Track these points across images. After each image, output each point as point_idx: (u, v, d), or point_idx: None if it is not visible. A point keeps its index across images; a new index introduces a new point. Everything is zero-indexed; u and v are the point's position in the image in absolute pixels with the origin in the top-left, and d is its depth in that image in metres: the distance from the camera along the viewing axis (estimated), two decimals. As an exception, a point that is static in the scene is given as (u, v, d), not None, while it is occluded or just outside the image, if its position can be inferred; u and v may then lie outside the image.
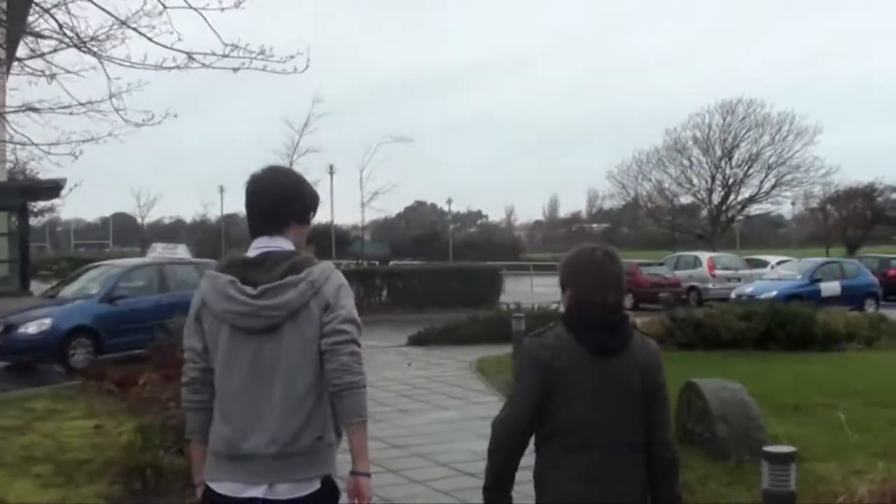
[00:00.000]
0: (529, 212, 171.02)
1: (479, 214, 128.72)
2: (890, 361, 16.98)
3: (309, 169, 44.47)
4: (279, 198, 3.78)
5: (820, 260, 35.56)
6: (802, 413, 11.80)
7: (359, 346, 3.63)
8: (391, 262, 56.52)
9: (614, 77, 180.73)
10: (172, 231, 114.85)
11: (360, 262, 47.97)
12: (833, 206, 73.14)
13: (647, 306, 34.49)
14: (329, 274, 3.66)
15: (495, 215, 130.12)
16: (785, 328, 18.73)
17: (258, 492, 3.52)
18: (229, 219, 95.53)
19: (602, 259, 3.75)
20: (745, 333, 18.70)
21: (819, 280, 30.12)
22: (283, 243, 3.74)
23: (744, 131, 63.87)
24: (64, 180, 36.18)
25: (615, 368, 3.67)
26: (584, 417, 3.63)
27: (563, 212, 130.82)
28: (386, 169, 72.24)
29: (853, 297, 28.71)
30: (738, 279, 36.75)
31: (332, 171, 46.13)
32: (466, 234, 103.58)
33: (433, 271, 33.42)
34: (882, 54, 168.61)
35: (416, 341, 20.93)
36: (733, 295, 30.77)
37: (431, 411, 12.82)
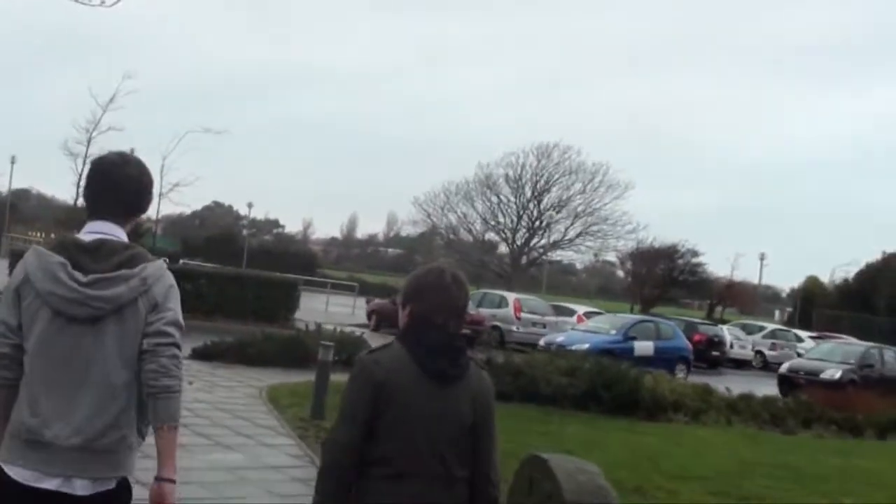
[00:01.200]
0: (326, 227, 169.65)
1: (276, 223, 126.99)
2: (725, 440, 15.75)
3: (105, 148, 41.50)
4: (131, 187, 3.70)
5: (636, 317, 34.39)
6: (646, 497, 10.41)
7: (180, 349, 3.59)
8: (181, 261, 53.50)
9: (440, 107, 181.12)
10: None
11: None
12: (633, 263, 73.84)
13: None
14: (161, 273, 3.59)
15: (292, 226, 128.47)
16: (610, 389, 17.23)
17: (52, 484, 3.40)
18: (20, 193, 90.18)
19: (450, 283, 3.69)
20: (565, 389, 17.12)
21: (633, 338, 28.85)
22: (118, 232, 3.65)
23: (556, 176, 64.55)
24: None
25: (450, 397, 3.58)
26: (409, 446, 3.52)
27: (361, 232, 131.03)
28: (190, 161, 69.21)
29: (666, 359, 27.38)
30: (544, 325, 35.50)
31: (131, 153, 43.16)
32: (262, 241, 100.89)
33: (226, 277, 30.41)
34: (703, 122, 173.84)
35: (201, 355, 18.21)
36: (542, 343, 29.28)
37: (213, 450, 10.52)
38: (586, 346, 26.84)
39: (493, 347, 33.89)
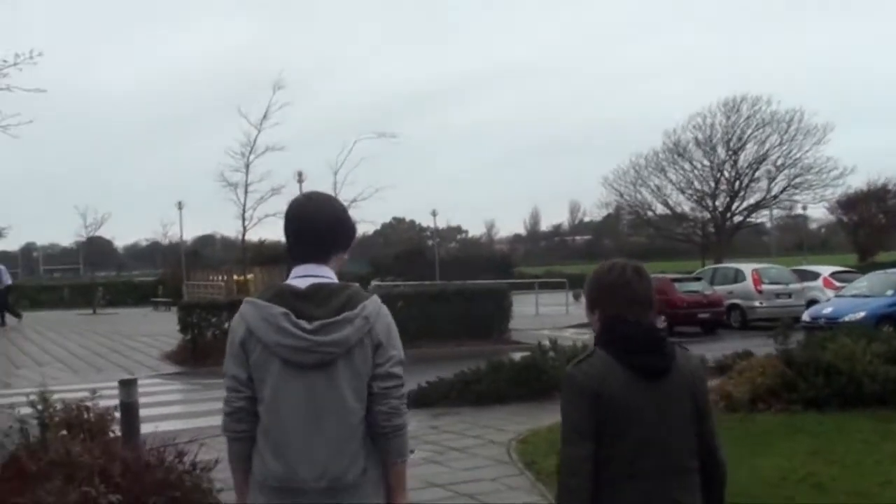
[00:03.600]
0: (508, 226, 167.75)
1: (458, 230, 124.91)
2: None
3: (270, 173, 38.02)
4: (329, 225, 3.76)
5: (902, 270, 28.78)
6: None
7: (403, 385, 3.67)
8: (373, 283, 50.32)
9: (606, 87, 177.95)
10: (147, 253, 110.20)
11: (337, 283, 41.76)
12: (844, 210, 68.12)
13: (683, 329, 28.63)
14: (380, 309, 3.66)
15: (475, 230, 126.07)
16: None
17: None
18: (205, 240, 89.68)
19: (631, 277, 3.64)
20: None
21: (913, 296, 23.82)
22: (328, 273, 3.72)
23: (749, 130, 60.16)
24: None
25: (667, 390, 3.53)
26: (636, 445, 3.48)
27: (545, 224, 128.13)
28: (365, 173, 66.05)
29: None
30: (789, 295, 30.90)
31: (300, 178, 39.49)
32: (448, 249, 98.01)
33: (427, 295, 26.49)
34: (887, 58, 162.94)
35: (418, 401, 14.27)
36: (806, 317, 24.53)
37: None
38: (861, 314, 22.48)
39: (736, 329, 29.79)
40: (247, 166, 36.07)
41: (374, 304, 3.65)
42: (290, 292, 3.62)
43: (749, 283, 31.12)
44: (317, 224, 3.74)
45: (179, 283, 54.19)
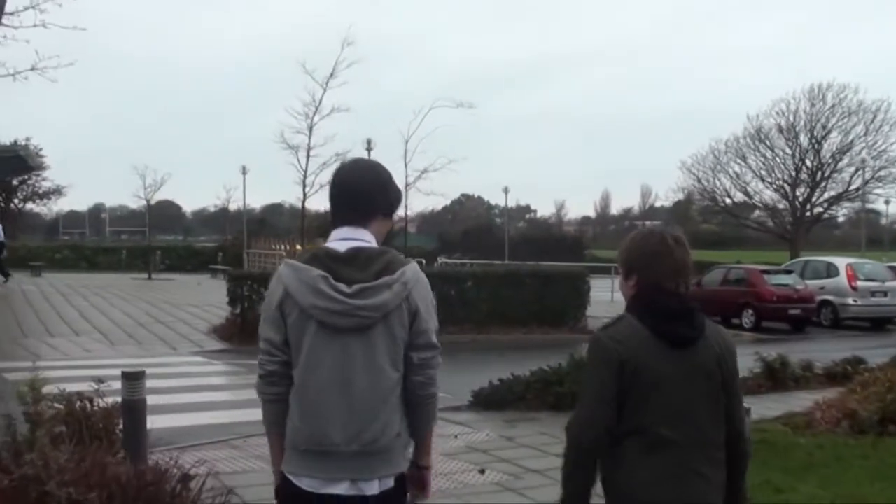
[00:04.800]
0: (578, 207, 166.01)
1: (527, 209, 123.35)
2: None
3: (335, 136, 35.83)
4: (372, 187, 3.73)
5: None
6: None
7: (440, 355, 3.67)
8: (439, 259, 48.44)
9: (687, 72, 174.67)
10: (214, 219, 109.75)
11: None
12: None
13: (771, 325, 26.35)
14: (418, 276, 3.61)
15: (544, 210, 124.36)
16: None
17: (340, 489, 3.51)
18: (273, 208, 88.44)
19: (674, 245, 3.59)
20: None
21: None
22: (367, 237, 3.66)
23: (834, 119, 58.03)
24: (25, 147, 29.10)
25: (695, 360, 3.50)
26: (662, 415, 3.44)
27: (615, 208, 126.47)
28: (437, 142, 62.59)
29: None
30: (885, 293, 28.50)
31: (369, 145, 37.56)
32: (517, 229, 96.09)
33: (497, 276, 24.36)
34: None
35: (488, 402, 12.32)
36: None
37: None
38: None
39: (826, 327, 27.55)
40: (310, 128, 33.75)
41: (412, 271, 3.61)
42: (328, 255, 3.59)
43: (843, 278, 28.72)
44: (358, 186, 3.73)
45: (241, 250, 52.91)
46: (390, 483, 3.57)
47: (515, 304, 22.72)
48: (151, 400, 13.05)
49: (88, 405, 8.47)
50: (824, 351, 19.56)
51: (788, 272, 29.08)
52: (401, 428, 3.59)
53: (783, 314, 26.88)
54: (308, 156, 34.00)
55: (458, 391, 12.98)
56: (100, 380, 8.67)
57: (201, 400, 12.57)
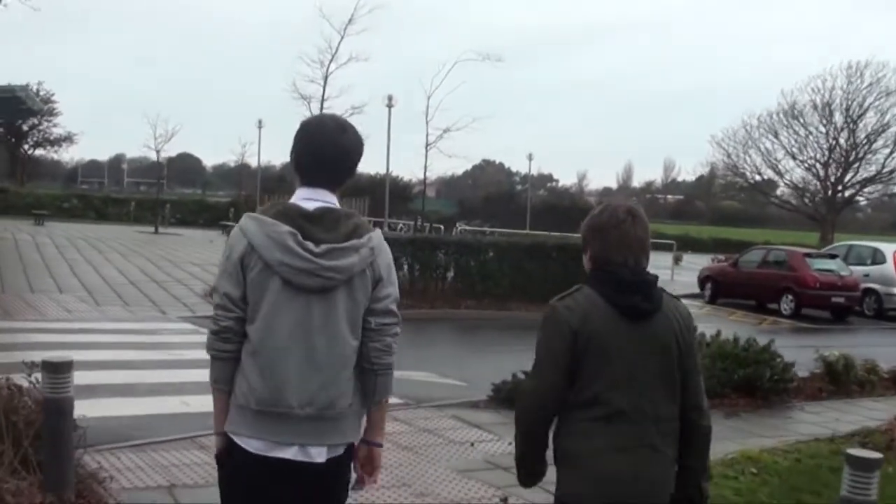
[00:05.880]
0: (599, 178, 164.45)
1: (549, 178, 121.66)
2: None
3: (350, 88, 33.45)
4: (346, 152, 3.63)
5: None
6: None
7: (399, 325, 3.62)
8: (459, 225, 46.48)
9: (720, 48, 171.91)
10: (234, 174, 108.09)
11: (419, 223, 37.56)
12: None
13: (812, 313, 24.49)
14: (383, 243, 3.60)
15: (565, 179, 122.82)
16: None
17: (289, 453, 3.43)
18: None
19: (623, 219, 3.59)
20: None
21: None
22: (334, 199, 3.60)
23: (871, 98, 55.67)
24: (24, 88, 27.33)
25: (650, 332, 3.50)
26: (615, 386, 3.44)
27: (637, 180, 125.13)
28: (460, 101, 59.03)
29: None
30: (930, 282, 26.38)
31: (390, 102, 35.45)
32: (538, 197, 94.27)
33: (521, 247, 22.40)
34: None
35: (508, 399, 10.01)
36: None
37: None
38: None
39: (869, 317, 25.70)
40: (325, 77, 31.46)
41: (378, 237, 3.57)
42: (297, 212, 3.50)
43: (889, 265, 26.68)
44: (332, 149, 3.60)
45: (254, 206, 51.17)
46: (339, 451, 3.52)
47: (539, 279, 20.75)
48: (118, 377, 11.49)
49: (18, 396, 6.71)
50: (871, 345, 18.10)
51: (833, 256, 26.99)
52: (354, 398, 3.53)
53: (825, 302, 24.88)
54: (322, 107, 31.50)
55: (476, 381, 11.34)
56: (32, 364, 6.90)
57: (175, 380, 10.67)
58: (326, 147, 3.57)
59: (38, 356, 11.65)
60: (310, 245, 3.40)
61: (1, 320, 15.21)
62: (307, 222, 3.45)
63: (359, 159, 3.67)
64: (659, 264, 35.31)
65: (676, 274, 33.81)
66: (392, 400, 10.40)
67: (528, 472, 3.62)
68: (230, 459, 3.51)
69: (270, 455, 3.42)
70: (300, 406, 3.41)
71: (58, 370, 5.90)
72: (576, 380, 3.44)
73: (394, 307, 3.57)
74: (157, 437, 8.45)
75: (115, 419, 9.04)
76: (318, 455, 3.45)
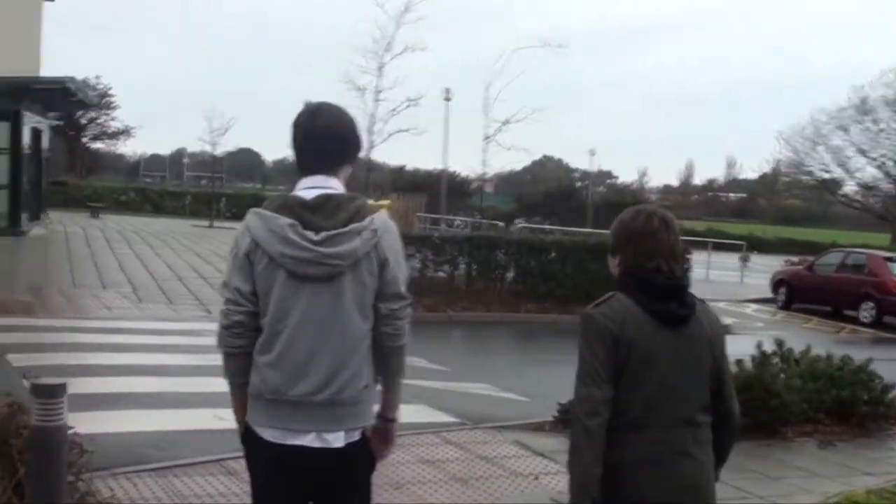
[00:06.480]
0: (659, 175, 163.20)
1: (608, 174, 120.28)
2: None
3: (406, 79, 31.94)
4: (340, 135, 3.68)
5: None
6: None
7: (410, 306, 3.61)
8: (517, 222, 45.41)
9: (791, 41, 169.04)
10: (293, 169, 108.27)
11: (478, 218, 36.53)
12: None
13: (892, 321, 23.11)
14: (388, 224, 3.57)
15: (625, 176, 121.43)
16: None
17: (306, 440, 3.45)
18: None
19: (658, 227, 3.56)
20: None
21: None
22: (336, 185, 3.62)
23: None
24: (73, 80, 26.70)
25: (685, 338, 3.48)
26: (651, 393, 3.41)
27: (699, 178, 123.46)
28: (520, 94, 59.10)
29: None
30: None
31: (448, 96, 34.47)
32: (598, 194, 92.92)
33: (586, 247, 21.06)
34: None
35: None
36: None
37: None
38: None
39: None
40: (379, 68, 30.17)
41: (381, 219, 3.54)
42: (296, 203, 3.53)
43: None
44: (328, 134, 3.64)
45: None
46: (356, 436, 3.52)
47: (604, 281, 19.28)
48: (147, 385, 10.50)
49: (18, 415, 5.80)
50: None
51: (916, 261, 25.53)
52: (369, 380, 3.54)
53: (907, 310, 23.48)
54: (376, 99, 30.28)
55: (539, 396, 10.42)
56: (28, 373, 6.02)
57: (208, 389, 9.64)
58: (309, 131, 3.62)
59: (67, 359, 11.06)
60: (309, 234, 3.42)
61: (36, 317, 14.49)
62: (307, 211, 3.48)
63: (348, 135, 3.68)
64: (727, 265, 34.09)
65: (749, 276, 32.48)
66: (445, 418, 9.43)
67: (586, 495, 3.42)
68: (252, 451, 3.59)
69: (287, 443, 3.45)
70: (314, 393, 3.43)
71: (51, 394, 4.96)
72: (614, 387, 3.41)
73: (402, 289, 3.56)
74: (182, 458, 7.55)
75: (138, 435, 8.21)
76: (336, 440, 3.47)
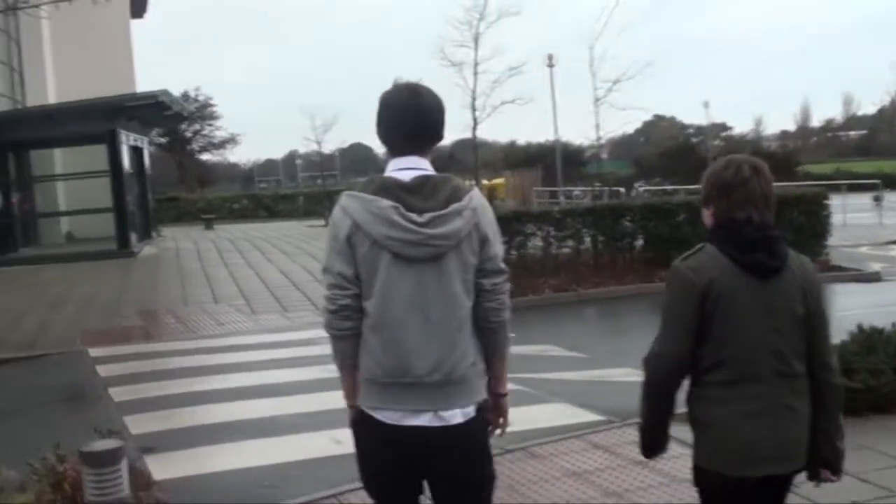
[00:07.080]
0: (775, 122, 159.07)
1: (723, 126, 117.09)
2: None
3: (504, 46, 30.33)
4: (435, 117, 3.66)
5: None
6: None
7: (509, 280, 3.66)
8: (636, 186, 43.91)
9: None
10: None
11: (597, 187, 35.11)
12: None
13: None
14: (484, 202, 3.61)
15: (739, 127, 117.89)
16: None
17: (423, 420, 3.47)
18: (463, 143, 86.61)
19: (749, 176, 3.51)
20: None
21: None
22: (428, 165, 3.64)
23: None
24: (166, 93, 26.32)
25: (777, 290, 3.41)
26: (747, 346, 3.37)
27: (816, 119, 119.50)
28: (628, 47, 57.26)
29: None
30: None
31: (551, 62, 33.03)
32: (716, 148, 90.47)
33: None
34: None
35: None
36: None
37: None
38: None
39: None
40: (475, 38, 28.62)
41: (478, 197, 3.59)
42: (395, 185, 3.52)
43: None
44: (424, 115, 3.63)
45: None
46: (471, 412, 3.53)
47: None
48: (261, 408, 9.36)
49: (61, 482, 4.88)
50: None
51: None
52: (475, 357, 3.56)
53: None
54: (476, 72, 28.70)
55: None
56: (102, 432, 5.11)
57: (324, 407, 8.50)
58: (405, 112, 3.59)
59: (171, 387, 10.26)
60: (413, 216, 3.42)
61: (144, 343, 13.81)
62: (407, 193, 3.47)
63: (441, 118, 3.66)
64: (861, 206, 32.14)
65: (887, 215, 30.55)
66: (590, 416, 8.34)
67: (652, 445, 3.60)
68: (366, 433, 3.54)
69: (405, 424, 3.45)
70: (427, 374, 3.44)
71: (103, 463, 4.03)
72: (704, 342, 3.40)
73: (502, 265, 3.60)
74: (292, 496, 6.60)
75: (243, 473, 7.34)
76: (453, 417, 3.47)
